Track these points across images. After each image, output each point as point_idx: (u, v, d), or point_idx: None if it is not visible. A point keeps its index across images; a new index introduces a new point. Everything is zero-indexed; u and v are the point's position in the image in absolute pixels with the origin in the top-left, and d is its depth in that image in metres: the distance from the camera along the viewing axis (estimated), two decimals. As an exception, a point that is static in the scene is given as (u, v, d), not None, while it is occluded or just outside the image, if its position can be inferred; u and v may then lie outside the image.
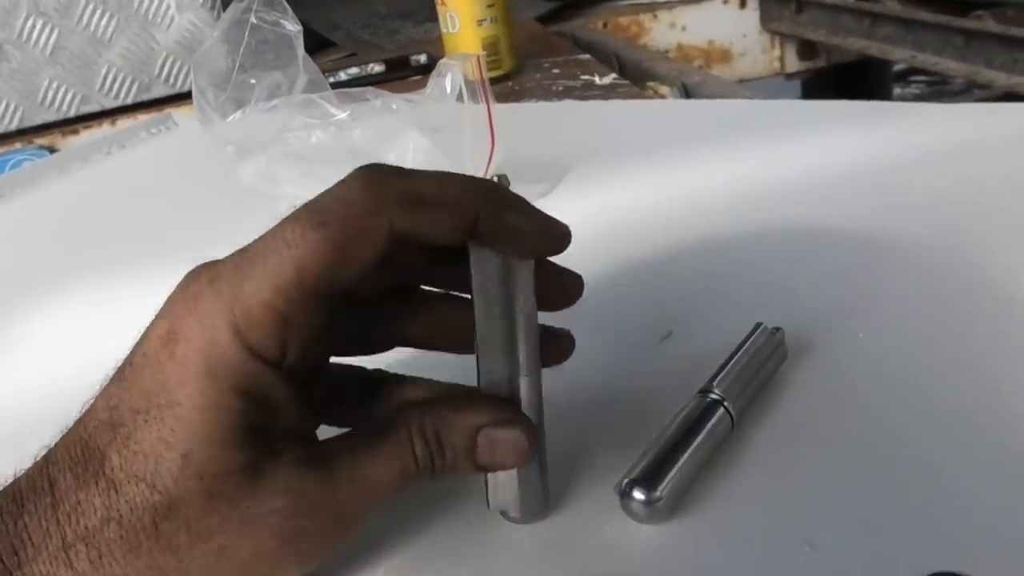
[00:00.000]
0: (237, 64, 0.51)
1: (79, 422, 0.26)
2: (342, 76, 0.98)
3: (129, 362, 0.26)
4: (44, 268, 0.54)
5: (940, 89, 2.02)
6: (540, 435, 0.29)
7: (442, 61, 0.48)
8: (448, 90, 0.47)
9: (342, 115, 0.46)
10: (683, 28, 1.18)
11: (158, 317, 0.26)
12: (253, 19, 0.50)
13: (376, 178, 0.25)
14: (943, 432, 0.32)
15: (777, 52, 1.20)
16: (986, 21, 0.89)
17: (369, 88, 0.50)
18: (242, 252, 0.25)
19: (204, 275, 0.25)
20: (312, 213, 0.25)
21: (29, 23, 0.96)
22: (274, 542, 0.25)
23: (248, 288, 0.24)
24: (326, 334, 0.26)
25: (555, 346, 0.31)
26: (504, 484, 0.29)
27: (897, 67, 1.59)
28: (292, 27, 0.51)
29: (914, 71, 1.93)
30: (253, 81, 0.51)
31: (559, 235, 0.28)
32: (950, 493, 0.29)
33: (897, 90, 2.00)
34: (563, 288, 0.31)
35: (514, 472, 0.29)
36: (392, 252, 0.25)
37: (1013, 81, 0.82)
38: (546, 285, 0.29)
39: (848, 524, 0.28)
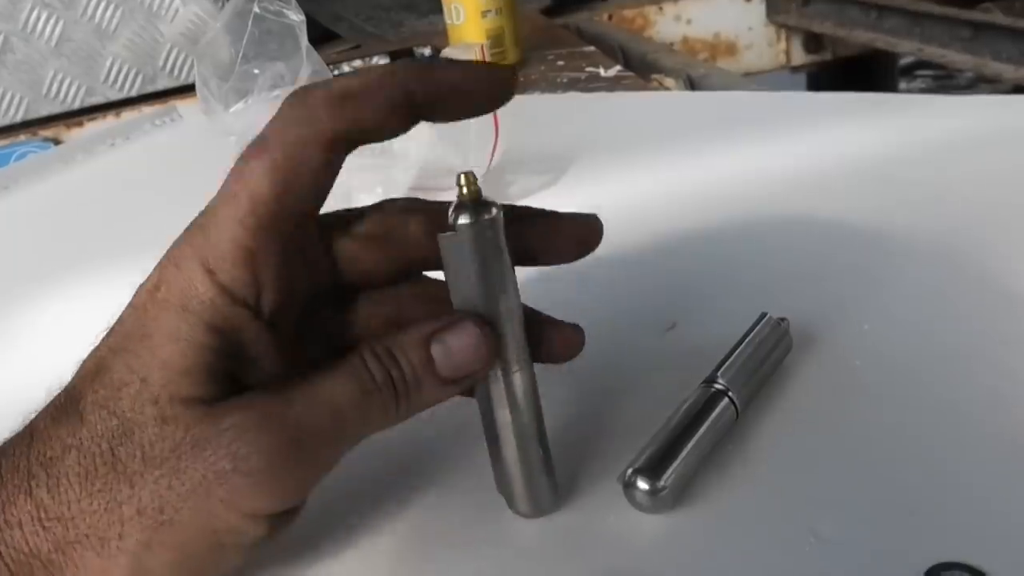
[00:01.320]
0: (240, 54, 0.51)
1: (72, 379, 0.26)
2: (346, 68, 0.98)
3: (119, 317, 0.26)
4: (48, 260, 0.54)
5: (947, 84, 2.01)
6: (539, 425, 0.29)
7: (444, 51, 0.47)
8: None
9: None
10: (688, 21, 1.17)
11: (148, 276, 0.26)
12: (256, 9, 0.50)
13: (301, 94, 0.26)
14: (947, 423, 0.31)
15: (783, 45, 1.19)
16: (994, 13, 0.89)
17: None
18: (209, 203, 0.26)
19: (184, 233, 0.26)
20: (252, 146, 0.25)
21: (34, 15, 0.96)
22: (226, 463, 0.24)
23: (214, 230, 0.25)
24: (304, 278, 0.27)
25: (561, 338, 0.30)
26: (511, 478, 0.29)
27: (903, 61, 1.59)
28: (295, 17, 0.51)
29: (920, 65, 1.93)
30: (256, 71, 0.51)
31: (502, 78, 0.27)
32: (955, 484, 0.29)
33: (903, 85, 1.99)
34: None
35: (520, 466, 0.29)
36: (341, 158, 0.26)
37: (1021, 74, 0.81)
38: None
39: (853, 514, 0.28)
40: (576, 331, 0.30)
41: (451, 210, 0.27)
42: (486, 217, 0.26)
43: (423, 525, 0.31)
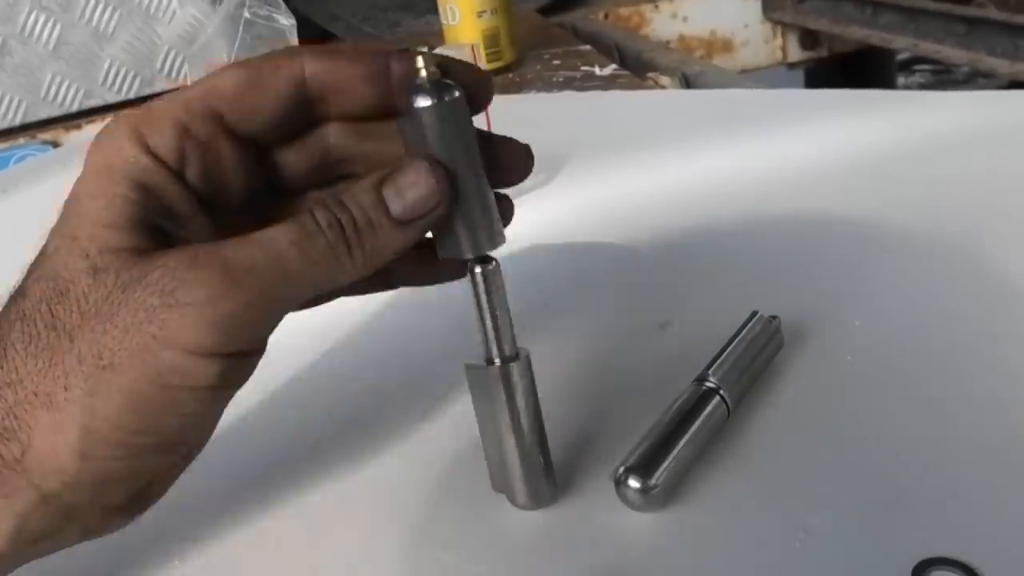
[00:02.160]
0: (232, 59, 0.51)
1: None
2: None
3: None
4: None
5: (944, 78, 2.02)
6: (537, 416, 0.29)
7: (437, 50, 0.48)
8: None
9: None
10: (684, 18, 1.17)
11: None
12: (247, 14, 0.50)
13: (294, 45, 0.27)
14: (938, 419, 0.32)
15: (779, 42, 1.19)
16: (988, 9, 0.89)
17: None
18: None
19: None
20: (238, 62, 0.27)
21: (32, 18, 0.97)
22: (155, 299, 0.23)
23: (156, 107, 0.26)
24: (239, 173, 0.27)
25: (508, 153, 0.29)
26: (512, 472, 0.29)
27: (901, 57, 1.59)
28: (285, 21, 0.52)
29: (918, 60, 1.93)
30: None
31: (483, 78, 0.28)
32: (945, 480, 0.29)
33: (901, 79, 1.99)
34: (510, 156, 0.29)
35: (517, 457, 0.29)
36: (314, 100, 0.27)
37: (1016, 68, 0.81)
38: (496, 156, 0.28)
39: (843, 510, 0.29)
40: (522, 146, 0.29)
41: (410, 93, 0.26)
42: (447, 99, 0.25)
43: (417, 524, 0.31)
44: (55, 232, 0.26)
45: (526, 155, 0.29)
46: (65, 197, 0.26)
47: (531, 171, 0.29)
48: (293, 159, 0.29)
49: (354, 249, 0.26)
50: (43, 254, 0.26)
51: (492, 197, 0.28)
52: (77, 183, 0.26)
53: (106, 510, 0.26)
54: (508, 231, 0.28)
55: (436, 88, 0.26)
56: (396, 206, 0.26)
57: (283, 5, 0.51)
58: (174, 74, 1.07)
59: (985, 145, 0.53)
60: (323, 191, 0.29)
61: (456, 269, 0.29)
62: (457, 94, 0.26)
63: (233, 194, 0.28)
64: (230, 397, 0.26)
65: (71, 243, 0.25)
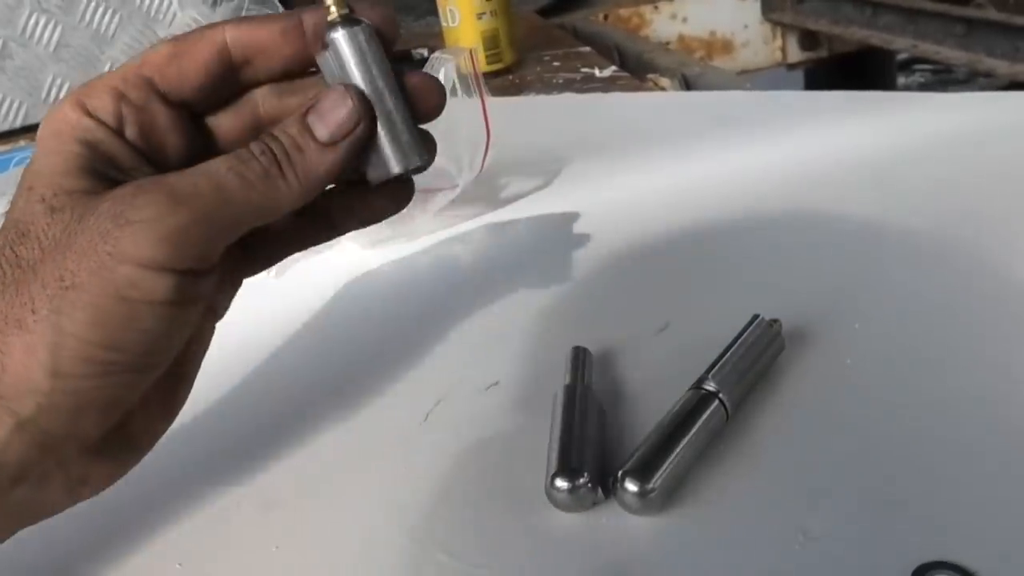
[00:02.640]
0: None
1: None
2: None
3: None
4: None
5: (945, 78, 2.01)
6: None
7: (435, 55, 0.48)
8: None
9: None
10: (684, 19, 1.17)
11: None
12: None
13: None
14: (938, 423, 0.32)
15: (779, 42, 1.20)
16: (987, 9, 0.89)
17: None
18: None
19: None
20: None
21: (32, 20, 0.97)
22: (108, 223, 0.26)
23: (94, 80, 0.29)
24: (178, 132, 0.30)
25: (419, 85, 0.31)
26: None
27: (901, 57, 1.59)
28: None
29: (918, 60, 1.93)
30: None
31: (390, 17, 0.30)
32: (946, 483, 0.29)
33: (901, 79, 1.99)
34: (421, 89, 0.30)
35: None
36: (239, 65, 0.30)
37: (1015, 69, 0.81)
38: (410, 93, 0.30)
39: (842, 514, 0.29)
40: (432, 79, 0.31)
41: (325, 31, 0.29)
42: (355, 28, 0.29)
43: (417, 525, 0.31)
44: (15, 195, 0.28)
45: (438, 91, 0.31)
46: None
47: (443, 106, 0.31)
48: (227, 123, 0.32)
49: (286, 171, 0.28)
50: (6, 214, 0.28)
51: (411, 116, 0.30)
52: (33, 153, 0.28)
53: (83, 449, 0.27)
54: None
55: (345, 21, 0.29)
56: (320, 129, 0.29)
57: (280, 7, 0.51)
58: (174, 76, 1.07)
59: (984, 145, 0.53)
60: None
61: (389, 203, 0.32)
62: (364, 23, 0.29)
63: (172, 152, 0.30)
64: (189, 319, 0.28)
65: (28, 193, 0.27)
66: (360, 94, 0.29)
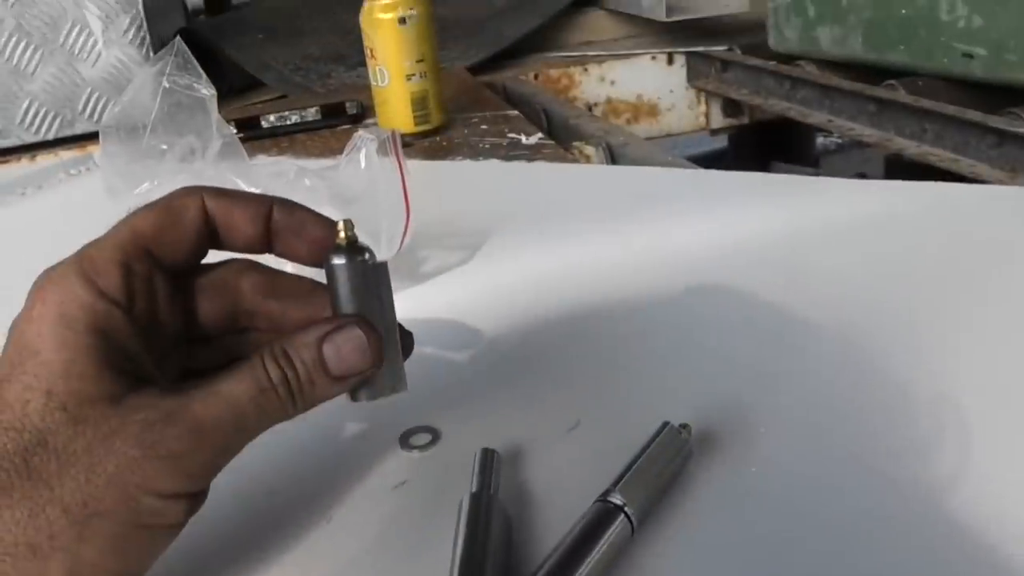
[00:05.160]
0: (149, 129, 0.50)
1: None
2: (272, 119, 0.97)
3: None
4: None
5: (861, 140, 2.09)
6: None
7: (357, 134, 0.47)
8: (363, 164, 0.47)
9: (253, 191, 0.46)
10: (612, 82, 1.20)
11: (21, 310, 0.28)
12: (165, 83, 0.49)
13: (193, 185, 0.32)
14: (842, 527, 0.32)
15: (703, 108, 1.23)
16: (897, 91, 0.93)
17: (282, 159, 0.49)
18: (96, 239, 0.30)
19: (60, 262, 0.29)
20: (145, 205, 0.31)
21: (-55, 55, 0.93)
22: (136, 451, 0.26)
23: (94, 250, 0.29)
24: (169, 312, 0.31)
25: (309, 235, 0.33)
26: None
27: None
28: (206, 91, 0.51)
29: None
30: (164, 147, 0.50)
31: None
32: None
33: (820, 139, 2.06)
34: (312, 238, 0.32)
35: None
36: (212, 234, 0.31)
37: (922, 150, 0.85)
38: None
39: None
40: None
41: (329, 252, 0.31)
42: (359, 259, 0.30)
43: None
44: (12, 380, 0.27)
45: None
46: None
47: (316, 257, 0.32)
48: (208, 307, 0.32)
49: (296, 399, 0.30)
50: (3, 400, 0.27)
51: (400, 348, 0.32)
52: (30, 329, 0.27)
53: None
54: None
55: (353, 247, 0.31)
56: (335, 366, 0.30)
57: (204, 75, 0.50)
58: (96, 116, 1.04)
59: (886, 233, 0.55)
60: (233, 337, 0.33)
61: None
62: (368, 255, 0.31)
63: (165, 320, 0.31)
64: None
65: (47, 397, 0.26)
66: (379, 338, 0.30)
